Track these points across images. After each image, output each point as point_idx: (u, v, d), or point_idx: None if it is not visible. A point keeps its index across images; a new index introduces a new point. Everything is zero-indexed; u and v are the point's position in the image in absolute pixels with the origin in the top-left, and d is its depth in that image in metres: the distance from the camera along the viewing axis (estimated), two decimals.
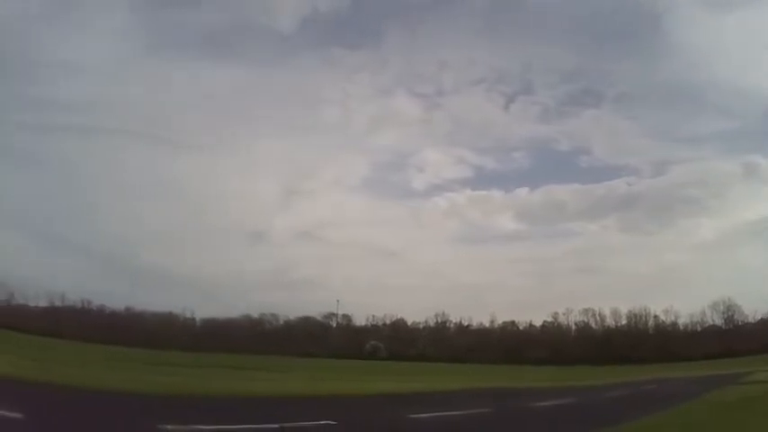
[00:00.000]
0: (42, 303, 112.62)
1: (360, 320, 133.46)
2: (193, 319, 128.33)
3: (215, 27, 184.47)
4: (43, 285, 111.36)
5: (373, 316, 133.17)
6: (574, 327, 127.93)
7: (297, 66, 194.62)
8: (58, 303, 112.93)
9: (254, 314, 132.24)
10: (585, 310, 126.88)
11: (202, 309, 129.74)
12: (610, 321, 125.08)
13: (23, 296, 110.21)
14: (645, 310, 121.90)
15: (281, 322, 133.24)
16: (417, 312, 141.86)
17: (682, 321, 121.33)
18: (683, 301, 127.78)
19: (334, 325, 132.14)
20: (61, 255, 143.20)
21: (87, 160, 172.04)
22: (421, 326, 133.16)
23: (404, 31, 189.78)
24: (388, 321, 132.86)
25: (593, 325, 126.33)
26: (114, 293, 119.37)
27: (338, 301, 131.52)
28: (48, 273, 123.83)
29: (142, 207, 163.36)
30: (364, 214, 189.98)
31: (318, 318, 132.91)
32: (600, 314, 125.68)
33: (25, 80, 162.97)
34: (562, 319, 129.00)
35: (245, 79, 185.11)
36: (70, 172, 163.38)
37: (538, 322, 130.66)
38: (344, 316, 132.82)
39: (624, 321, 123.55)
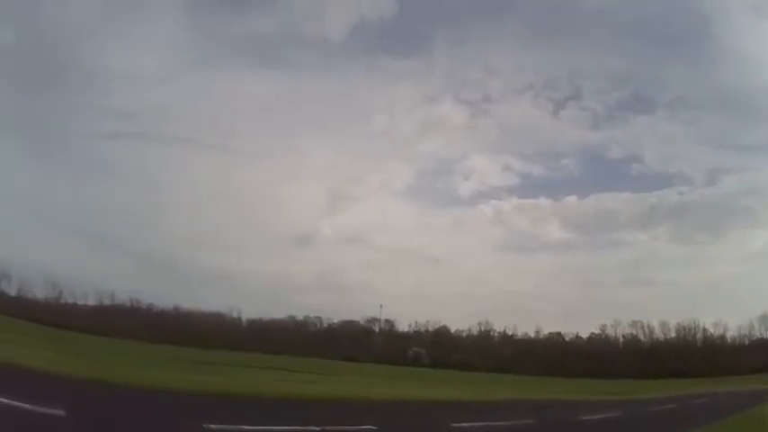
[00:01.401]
0: (91, 302, 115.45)
1: (402, 326, 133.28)
2: (240, 320, 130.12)
3: (266, 36, 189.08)
4: (93, 284, 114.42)
5: (416, 322, 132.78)
6: (621, 339, 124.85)
7: (345, 73, 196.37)
8: (107, 302, 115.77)
9: (299, 316, 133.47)
10: (634, 323, 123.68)
11: (249, 309, 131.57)
12: (658, 334, 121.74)
13: (72, 295, 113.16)
14: (694, 322, 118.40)
15: (325, 325, 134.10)
16: (461, 320, 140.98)
17: (730, 334, 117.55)
18: (733, 313, 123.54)
19: (377, 330, 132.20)
20: (112, 255, 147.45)
21: (141, 165, 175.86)
22: (464, 334, 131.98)
23: (450, 39, 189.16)
24: (431, 328, 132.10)
25: (642, 338, 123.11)
26: (163, 293, 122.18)
27: (381, 306, 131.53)
28: (97, 272, 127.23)
29: (193, 210, 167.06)
30: (410, 220, 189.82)
31: (361, 322, 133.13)
32: (648, 327, 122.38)
33: (85, 89, 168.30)
34: (610, 332, 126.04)
35: (295, 87, 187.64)
36: (124, 176, 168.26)
37: (585, 334, 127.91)
38: (387, 321, 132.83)
39: (673, 334, 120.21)
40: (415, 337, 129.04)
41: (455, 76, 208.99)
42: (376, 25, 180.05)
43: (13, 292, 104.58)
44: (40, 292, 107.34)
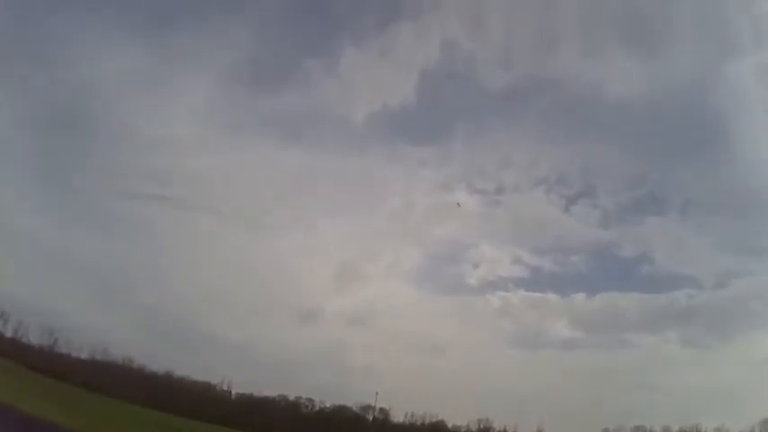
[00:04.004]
0: (84, 355, 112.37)
1: (398, 416, 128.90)
2: (229, 393, 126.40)
3: (294, 114, 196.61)
4: (89, 337, 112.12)
5: (412, 413, 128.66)
6: None
7: (364, 155, 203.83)
8: (99, 357, 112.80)
9: (291, 396, 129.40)
10: (636, 428, 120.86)
11: (240, 382, 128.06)
12: None
13: (67, 345, 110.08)
14: (696, 427, 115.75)
15: (317, 408, 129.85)
16: (459, 414, 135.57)
17: None
18: (736, 417, 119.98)
19: (371, 419, 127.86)
20: (113, 311, 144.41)
21: (157, 226, 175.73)
22: (462, 430, 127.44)
23: (468, 130, 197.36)
24: (427, 421, 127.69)
25: None
26: (158, 356, 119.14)
27: (377, 393, 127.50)
28: (96, 326, 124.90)
29: (203, 276, 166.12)
30: (415, 305, 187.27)
31: (354, 408, 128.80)
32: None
33: (113, 147, 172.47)
34: None
35: (316, 164, 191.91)
36: (139, 235, 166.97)
37: None
38: (382, 410, 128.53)
39: None
40: (410, 429, 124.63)
41: (470, 166, 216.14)
42: (398, 113, 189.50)
43: (9, 333, 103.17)
44: (35, 338, 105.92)
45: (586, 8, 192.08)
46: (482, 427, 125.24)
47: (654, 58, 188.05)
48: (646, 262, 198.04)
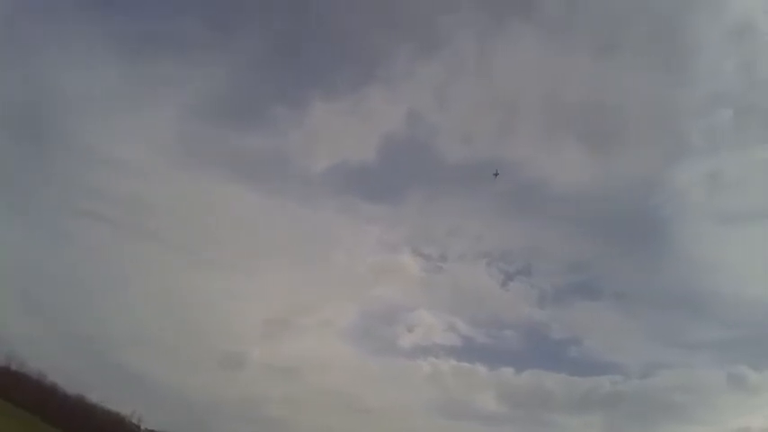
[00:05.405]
0: None
1: None
2: (138, 427, 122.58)
3: (254, 155, 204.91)
4: (7, 345, 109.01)
5: None
6: None
7: (316, 205, 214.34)
8: (12, 367, 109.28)
9: None
10: None
11: (151, 418, 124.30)
12: None
13: None
14: None
15: None
16: None
17: None
18: None
19: None
20: (37, 324, 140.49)
21: (99, 247, 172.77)
22: None
23: (421, 195, 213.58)
24: None
25: None
26: (73, 377, 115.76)
27: None
28: (16, 334, 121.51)
29: (133, 302, 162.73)
30: (346, 362, 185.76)
31: None
32: None
33: (66, 161, 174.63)
34: None
35: (267, 207, 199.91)
36: (80, 253, 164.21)
37: None
38: None
39: None
40: None
41: (418, 230, 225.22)
42: (356, 169, 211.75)
43: None
44: None
45: (548, 100, 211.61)
46: None
47: (606, 153, 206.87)
48: (575, 345, 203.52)
